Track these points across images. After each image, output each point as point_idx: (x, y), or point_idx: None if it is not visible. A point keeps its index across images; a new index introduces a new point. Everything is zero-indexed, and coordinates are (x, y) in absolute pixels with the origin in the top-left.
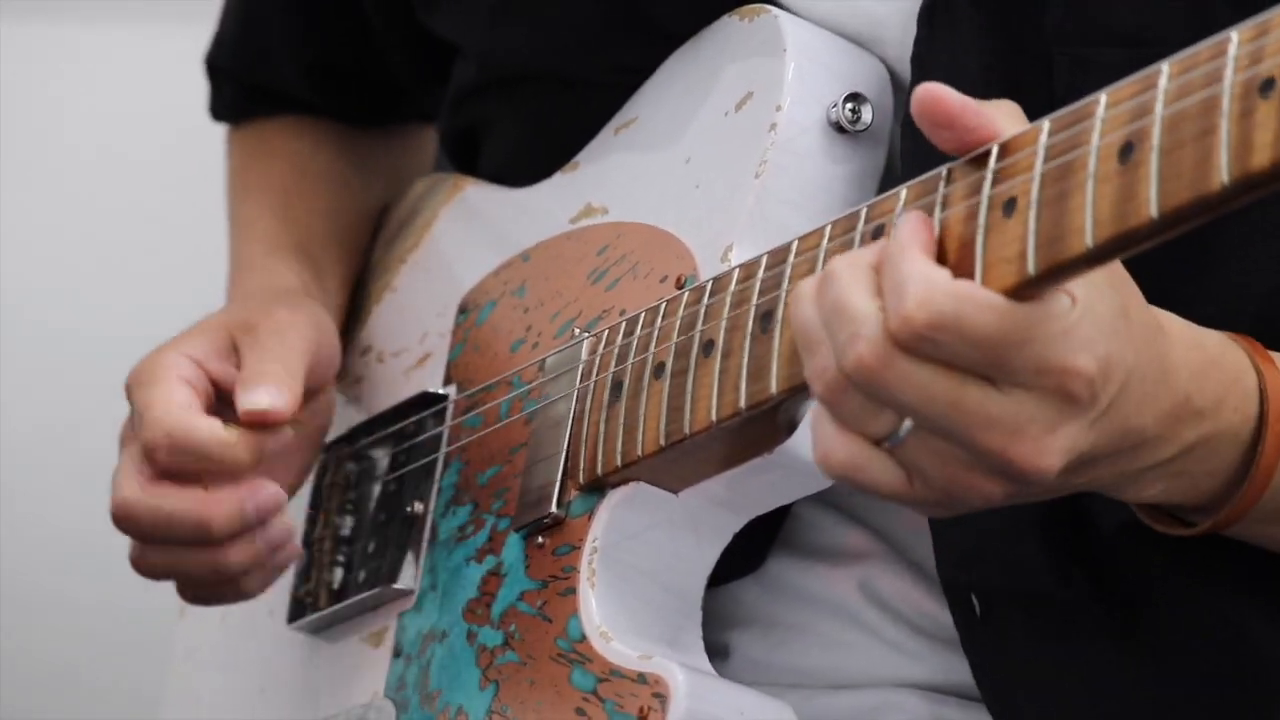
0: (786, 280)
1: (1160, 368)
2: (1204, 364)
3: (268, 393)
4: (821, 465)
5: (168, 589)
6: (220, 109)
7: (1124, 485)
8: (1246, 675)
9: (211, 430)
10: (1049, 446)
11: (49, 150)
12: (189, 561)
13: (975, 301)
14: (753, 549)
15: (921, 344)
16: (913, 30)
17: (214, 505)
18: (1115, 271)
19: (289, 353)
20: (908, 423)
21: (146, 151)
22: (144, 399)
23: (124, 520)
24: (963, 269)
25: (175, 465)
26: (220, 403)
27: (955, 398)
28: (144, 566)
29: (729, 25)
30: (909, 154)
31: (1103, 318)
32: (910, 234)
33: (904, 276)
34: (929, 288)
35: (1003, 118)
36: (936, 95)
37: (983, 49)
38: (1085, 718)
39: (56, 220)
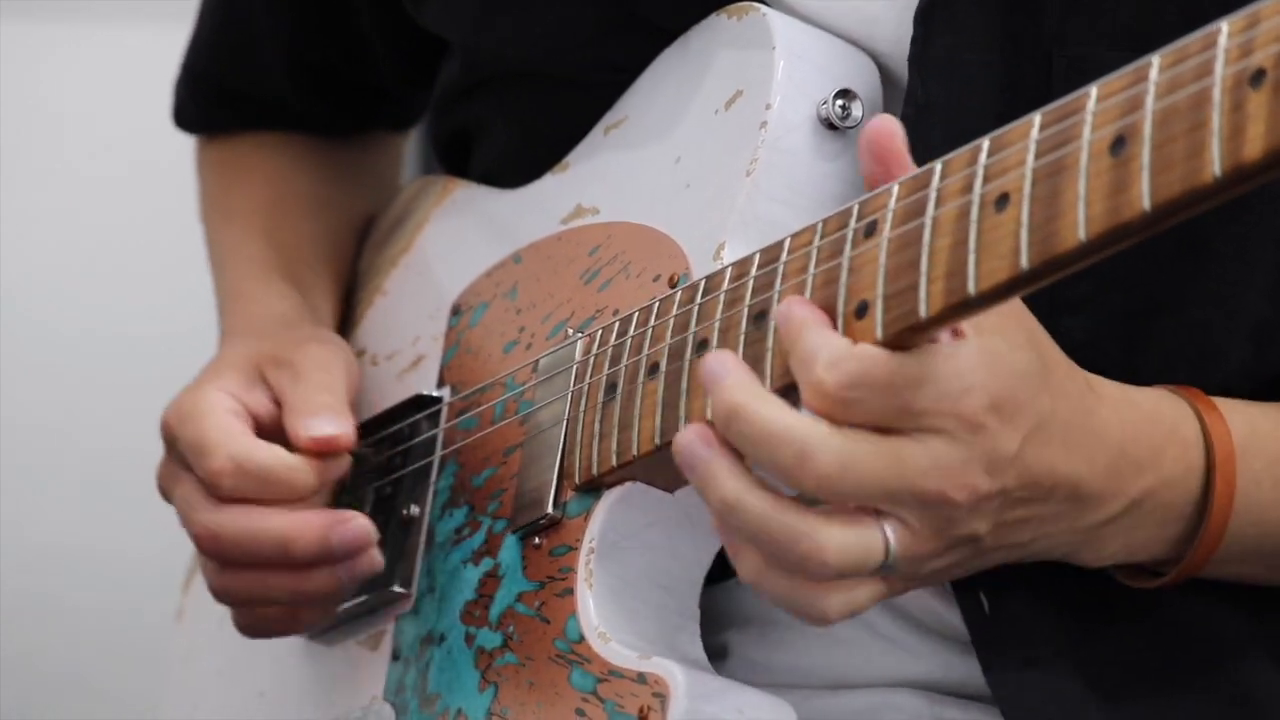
0: (779, 278)
1: (1090, 423)
2: (1137, 419)
3: (331, 421)
4: (824, 622)
5: (165, 591)
6: (189, 118)
7: (1081, 547)
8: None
9: (276, 455)
10: (947, 479)
11: (49, 150)
12: (270, 584)
13: (871, 355)
14: None
15: (841, 406)
16: (906, 28)
17: (298, 525)
18: (1036, 331)
19: (336, 385)
20: (889, 529)
21: (146, 151)
22: (196, 432)
23: (208, 542)
24: (955, 265)
25: (240, 492)
26: (260, 435)
27: (894, 461)
28: (225, 592)
29: (718, 23)
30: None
31: (998, 356)
32: (805, 312)
33: (809, 351)
34: (831, 352)
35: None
36: (892, 132)
37: (982, 49)
38: (1099, 714)
39: (56, 220)
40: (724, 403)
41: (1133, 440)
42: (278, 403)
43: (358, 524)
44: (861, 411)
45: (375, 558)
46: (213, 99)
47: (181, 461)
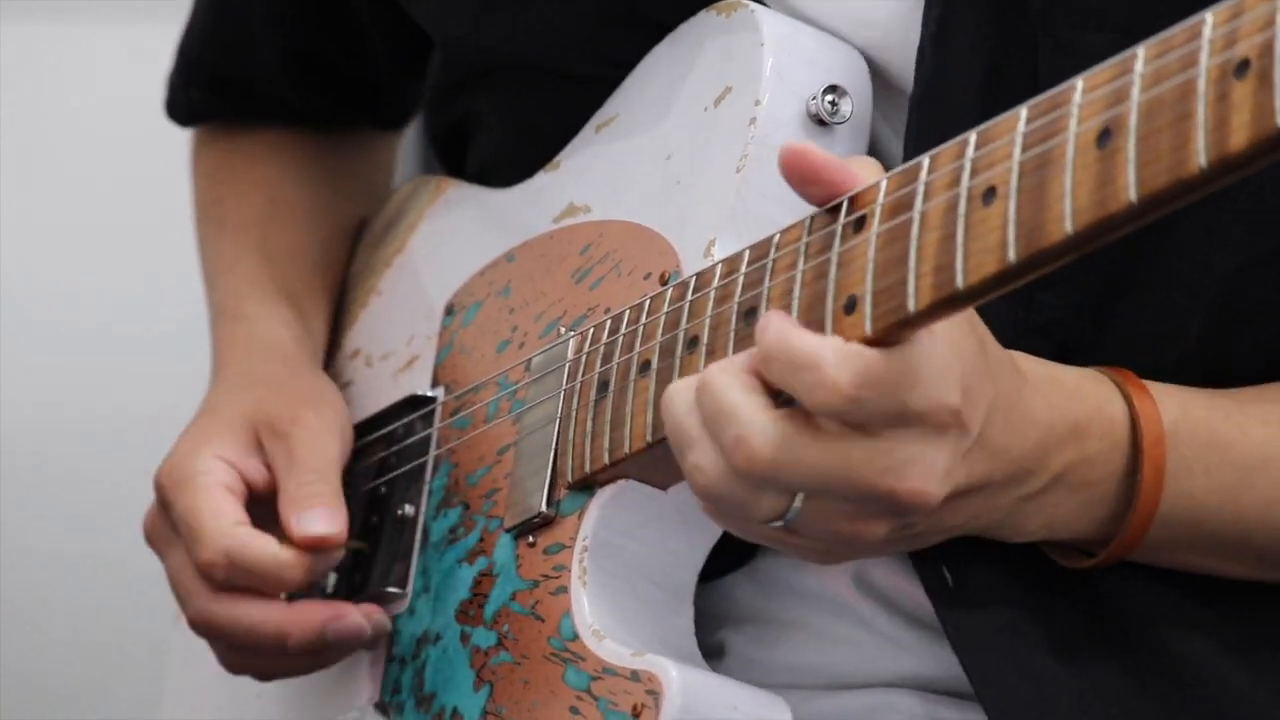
0: (769, 274)
1: (1020, 401)
2: (1060, 396)
3: (323, 519)
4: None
5: (163, 593)
6: (182, 109)
7: (1003, 524)
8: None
9: (269, 551)
10: (931, 478)
11: (49, 150)
12: (263, 664)
13: (872, 353)
14: (743, 543)
15: (853, 406)
16: (897, 25)
17: (294, 621)
18: (970, 311)
19: (329, 468)
20: (797, 502)
21: (147, 151)
22: (189, 508)
23: (204, 630)
24: (944, 259)
25: (232, 583)
26: (252, 502)
27: (843, 460)
28: (234, 669)
29: (707, 20)
30: (914, 134)
31: (965, 352)
32: (784, 323)
33: (808, 354)
34: (835, 352)
35: (863, 171)
36: (799, 151)
37: (972, 30)
38: (1065, 682)
39: (56, 220)
40: (702, 374)
41: (1058, 416)
42: (270, 468)
43: (353, 621)
44: (863, 412)
45: (364, 634)
46: (205, 88)
47: (173, 526)
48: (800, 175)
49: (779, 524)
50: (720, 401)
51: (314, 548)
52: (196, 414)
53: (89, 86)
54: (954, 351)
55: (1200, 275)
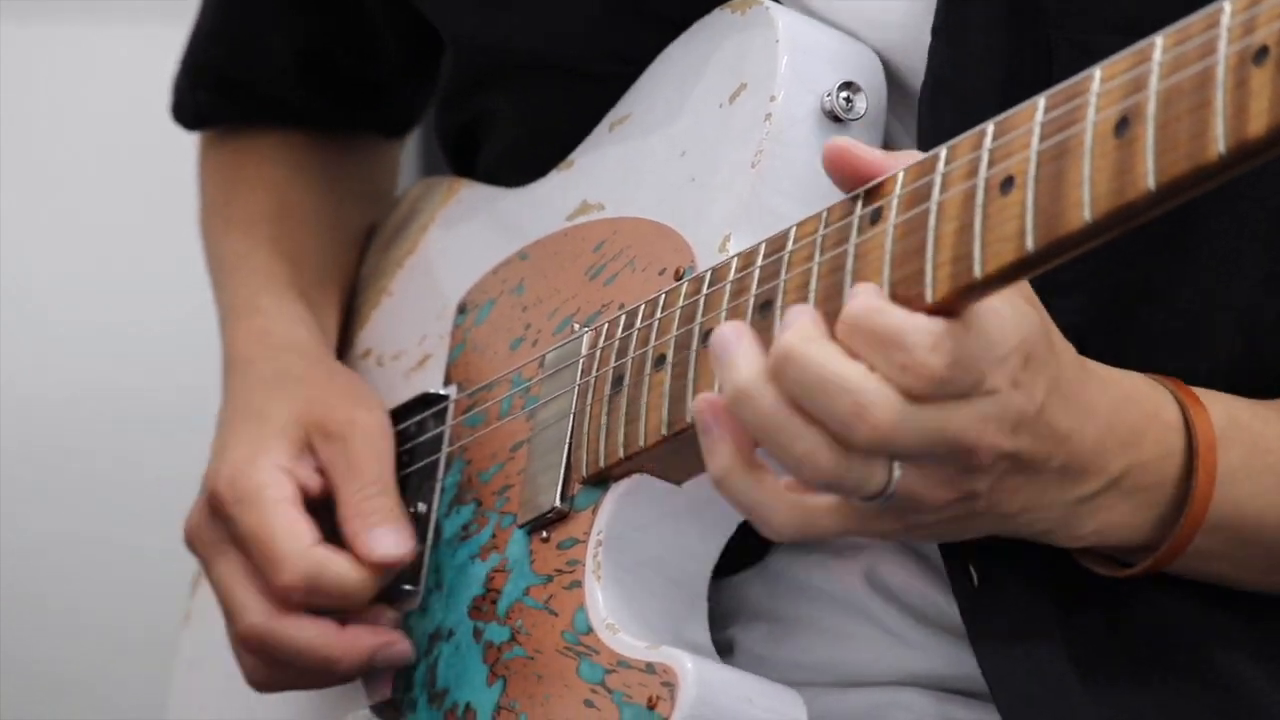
0: (785, 267)
1: (1082, 390)
2: (1120, 398)
3: (393, 539)
4: (772, 536)
5: (171, 594)
6: (188, 113)
7: (1057, 527)
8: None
9: (348, 573)
10: (1000, 433)
11: (49, 150)
12: (300, 680)
13: (955, 330)
14: (756, 539)
15: (943, 387)
16: (911, 25)
17: (346, 646)
18: (1035, 300)
19: (387, 473)
20: (896, 472)
21: (147, 151)
22: (261, 526)
23: (255, 646)
24: (961, 249)
25: (306, 605)
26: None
27: (941, 421)
28: (264, 686)
29: (721, 17)
30: (925, 133)
31: (1026, 323)
32: (873, 296)
33: (896, 333)
34: (925, 334)
35: (907, 164)
36: (841, 148)
37: (988, 29)
38: (1082, 691)
39: (56, 220)
40: (779, 345)
41: (1117, 417)
42: (323, 472)
43: (402, 648)
44: (950, 390)
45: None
46: (212, 90)
47: (232, 537)
48: (843, 172)
49: (880, 501)
50: (825, 371)
51: (385, 566)
52: (229, 413)
53: (89, 86)
54: (1016, 321)
55: (1225, 288)
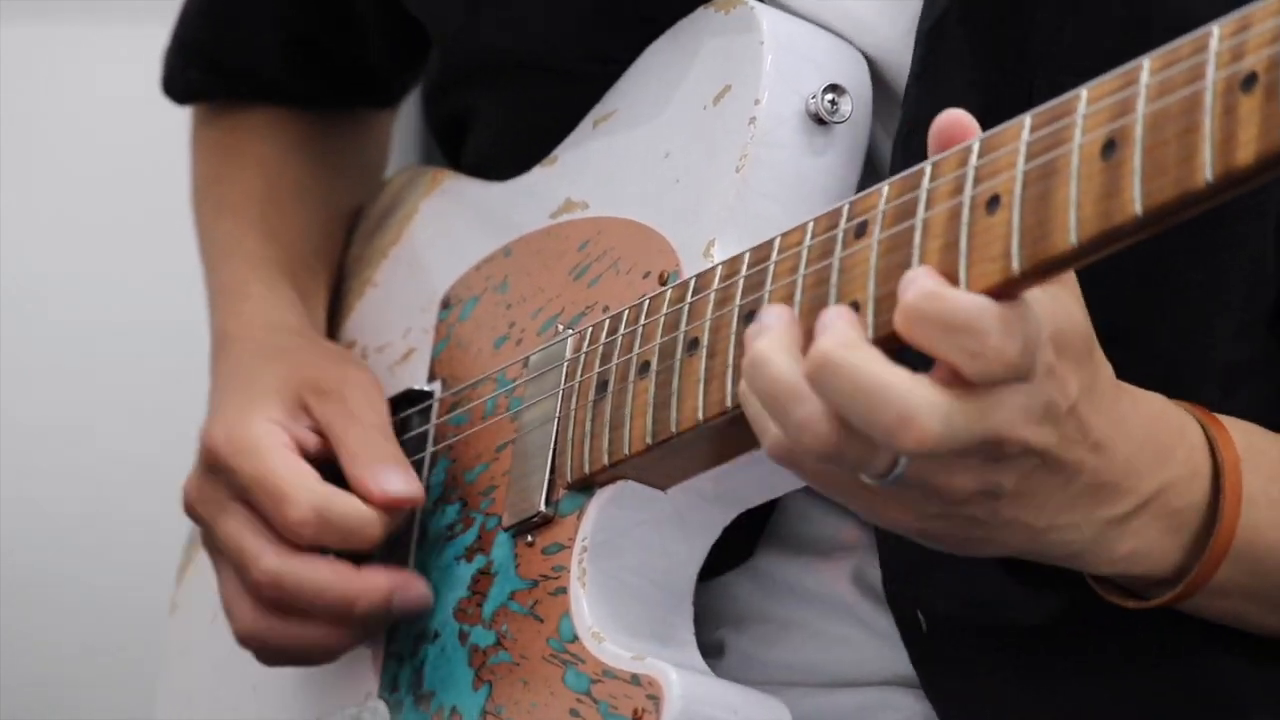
0: (770, 278)
1: (1118, 408)
2: (1151, 415)
3: (401, 478)
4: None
5: (159, 586)
6: (178, 88)
7: (1091, 545)
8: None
9: (357, 508)
10: (1023, 416)
11: (49, 150)
12: (312, 636)
13: (1023, 316)
14: (741, 541)
15: (1016, 373)
16: (897, 33)
17: (363, 585)
18: (1082, 303)
19: (386, 423)
20: (904, 460)
21: (147, 151)
22: (266, 471)
23: (270, 589)
24: (946, 267)
25: (317, 542)
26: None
27: (983, 417)
28: (257, 637)
29: (706, 17)
30: (899, 168)
31: (1066, 305)
32: (934, 282)
33: (966, 315)
34: (996, 320)
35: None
36: (950, 121)
37: (969, 69)
38: None
39: (56, 220)
40: (819, 350)
41: (1149, 435)
42: (319, 432)
43: (420, 591)
44: (1015, 374)
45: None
46: (202, 67)
47: (233, 491)
48: (945, 143)
49: (889, 480)
50: (864, 379)
51: (392, 506)
52: (220, 384)
53: (89, 86)
54: (1052, 309)
55: (1204, 334)
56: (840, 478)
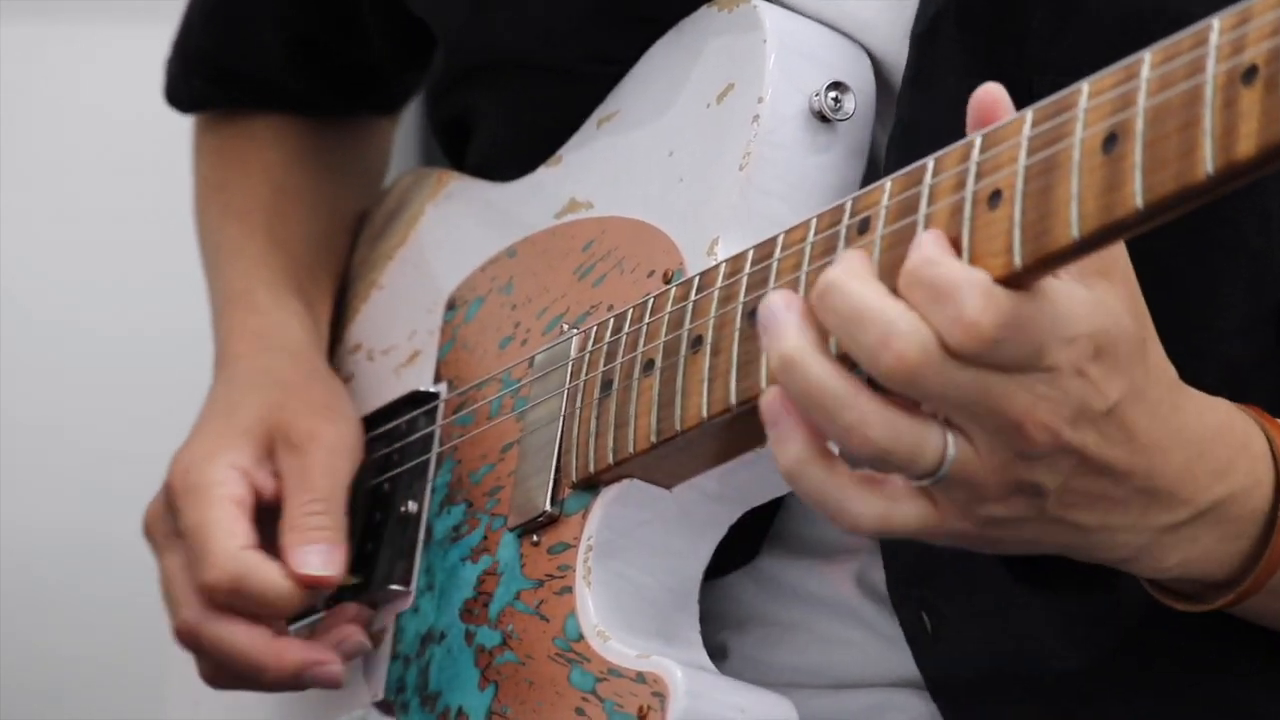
0: (773, 275)
1: (1173, 417)
2: (1216, 425)
3: (321, 558)
4: (849, 527)
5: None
6: (181, 96)
7: (1144, 551)
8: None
9: (273, 581)
10: (1058, 416)
11: (49, 150)
12: (243, 682)
13: (1015, 296)
14: (746, 541)
15: (990, 347)
16: (898, 33)
17: (274, 656)
18: (1142, 311)
19: (336, 489)
20: (951, 448)
21: (147, 151)
22: (200, 523)
23: (187, 639)
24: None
25: (230, 606)
26: (259, 509)
27: (981, 385)
28: (211, 683)
29: (709, 15)
30: (893, 169)
31: (1110, 309)
32: (935, 247)
33: (951, 285)
34: (980, 289)
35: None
36: (989, 99)
37: (965, 73)
38: None
39: (56, 220)
40: (824, 278)
41: (1210, 447)
42: (280, 477)
43: (332, 671)
44: (1000, 355)
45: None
46: (205, 76)
47: (177, 530)
48: (983, 120)
49: (940, 473)
50: (860, 303)
51: (310, 586)
52: (208, 406)
53: (89, 86)
54: (1096, 309)
55: (1205, 335)
56: (905, 506)
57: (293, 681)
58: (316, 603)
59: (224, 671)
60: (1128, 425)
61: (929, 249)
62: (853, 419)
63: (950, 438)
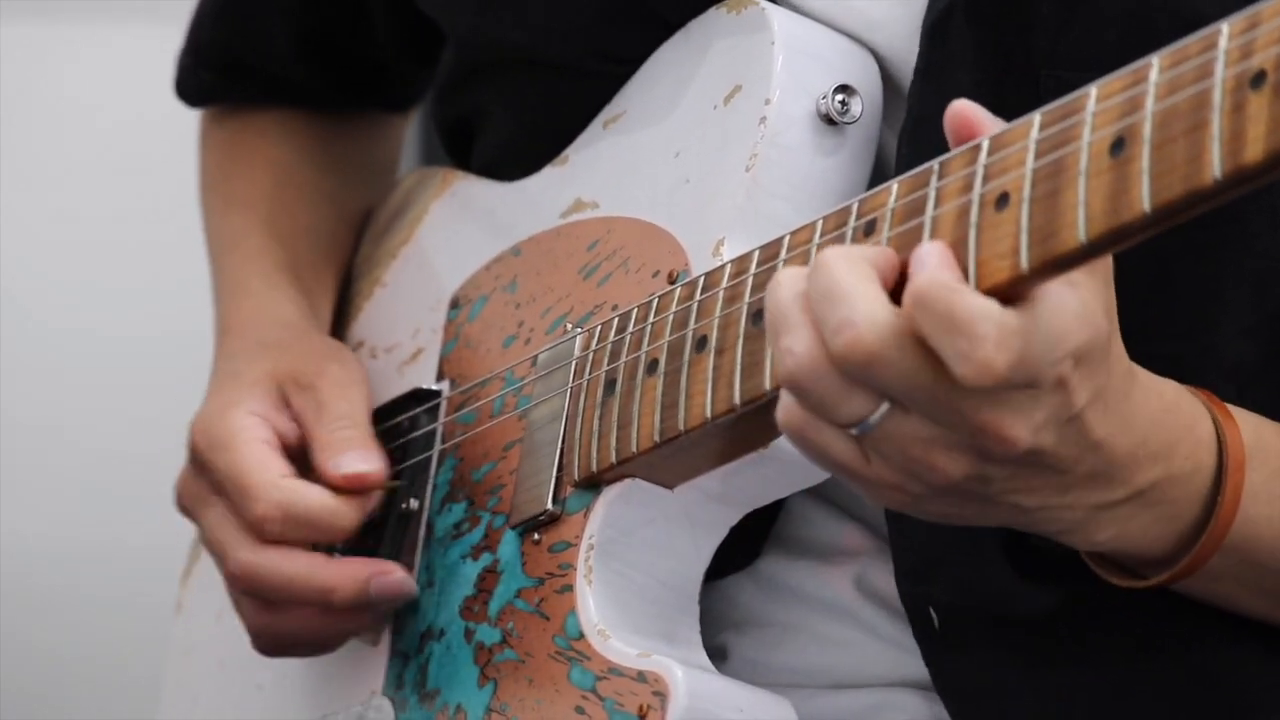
0: None
1: (1125, 402)
2: (1160, 410)
3: (360, 458)
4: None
5: (163, 585)
6: (191, 90)
7: (1074, 529)
8: (1216, 697)
9: (321, 499)
10: (1024, 426)
11: (49, 150)
12: (311, 624)
13: (1021, 326)
14: (747, 543)
15: (1005, 384)
16: (906, 34)
17: (338, 572)
18: (1112, 304)
19: (359, 414)
20: (881, 410)
21: (147, 151)
22: (233, 465)
23: (246, 581)
24: (956, 264)
25: (285, 537)
26: (286, 458)
27: (944, 386)
28: (265, 632)
29: (717, 17)
30: (904, 163)
31: (1090, 315)
32: (943, 271)
33: (967, 315)
34: (996, 327)
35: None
36: (964, 113)
37: (974, 66)
38: None
39: (56, 220)
40: (822, 254)
41: (1154, 430)
42: (300, 422)
43: (398, 577)
44: (1004, 387)
45: (411, 589)
46: (216, 70)
47: (212, 485)
48: (962, 136)
49: (855, 430)
50: (834, 281)
51: (354, 486)
52: (213, 381)
53: (89, 86)
54: (1080, 321)
55: (1209, 333)
56: (830, 439)
57: (360, 597)
58: (369, 514)
59: (281, 614)
60: (1086, 427)
61: (939, 271)
62: (788, 343)
63: (885, 406)
